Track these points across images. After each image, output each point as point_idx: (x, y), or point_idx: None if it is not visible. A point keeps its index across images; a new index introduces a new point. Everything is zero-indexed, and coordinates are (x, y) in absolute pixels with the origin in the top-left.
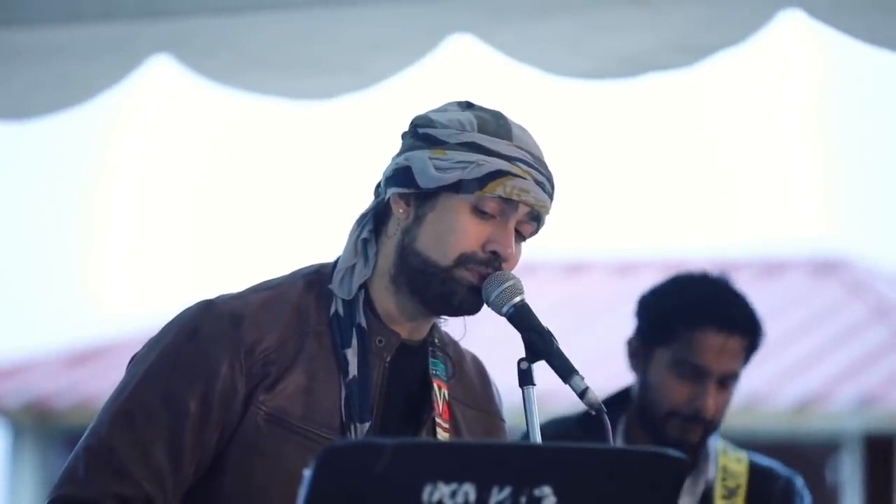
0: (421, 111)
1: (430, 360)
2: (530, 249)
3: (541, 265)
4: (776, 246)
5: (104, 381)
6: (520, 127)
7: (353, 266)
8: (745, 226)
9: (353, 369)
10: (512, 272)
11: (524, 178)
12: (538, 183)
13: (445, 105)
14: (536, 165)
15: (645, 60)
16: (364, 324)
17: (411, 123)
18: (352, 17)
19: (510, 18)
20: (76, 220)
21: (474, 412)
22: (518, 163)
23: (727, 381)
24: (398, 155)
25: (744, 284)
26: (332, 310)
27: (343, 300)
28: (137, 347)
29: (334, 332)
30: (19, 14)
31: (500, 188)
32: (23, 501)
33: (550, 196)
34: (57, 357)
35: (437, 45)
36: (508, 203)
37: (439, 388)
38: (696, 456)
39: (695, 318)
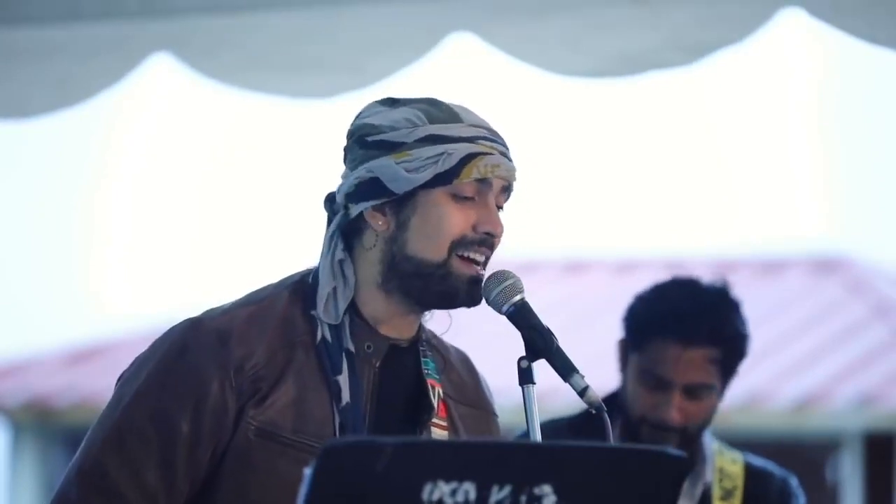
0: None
1: (422, 359)
2: (530, 248)
3: (541, 264)
4: (776, 245)
5: (104, 380)
6: (459, 106)
7: (335, 290)
8: (746, 224)
9: (345, 396)
10: (511, 271)
11: (491, 154)
12: (502, 154)
13: (370, 109)
14: (494, 137)
15: (645, 59)
16: (352, 348)
17: (354, 135)
18: (352, 16)
19: (510, 17)
20: (76, 220)
21: (466, 408)
22: (480, 140)
23: (696, 391)
24: (354, 168)
25: (744, 284)
26: (319, 335)
27: (329, 325)
28: (137, 347)
29: (322, 357)
30: (19, 13)
31: (474, 170)
32: (23, 500)
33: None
34: (57, 356)
35: (438, 43)
36: (484, 182)
37: (433, 388)
38: (693, 458)
39: (656, 330)
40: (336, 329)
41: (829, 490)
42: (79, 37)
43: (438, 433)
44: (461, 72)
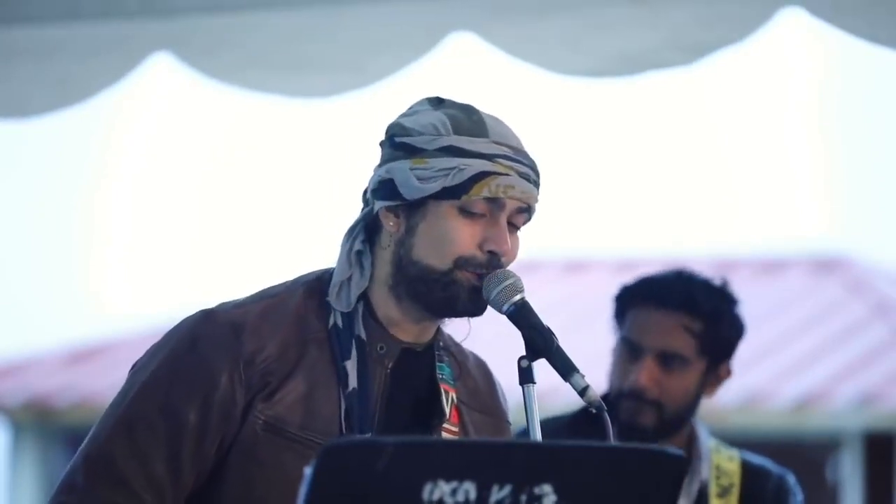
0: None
1: (437, 364)
2: (530, 247)
3: (541, 263)
4: (776, 244)
5: (104, 380)
6: (494, 119)
7: (350, 278)
8: (746, 224)
9: (352, 381)
10: (512, 270)
11: (507, 175)
12: (522, 175)
13: (415, 106)
14: (518, 157)
15: (645, 59)
16: (363, 335)
17: (387, 132)
18: (352, 16)
19: (511, 17)
20: (76, 220)
21: (480, 415)
22: (499, 159)
23: (669, 360)
24: (379, 166)
25: (744, 284)
26: (331, 322)
27: (342, 312)
28: (137, 346)
29: (333, 344)
30: (19, 12)
31: (484, 189)
32: (23, 499)
33: (537, 184)
34: (57, 355)
35: (438, 43)
36: (495, 202)
37: (447, 393)
38: (690, 455)
39: (632, 297)
40: (348, 316)
41: (829, 490)
42: (79, 36)
43: (449, 438)
44: (461, 71)
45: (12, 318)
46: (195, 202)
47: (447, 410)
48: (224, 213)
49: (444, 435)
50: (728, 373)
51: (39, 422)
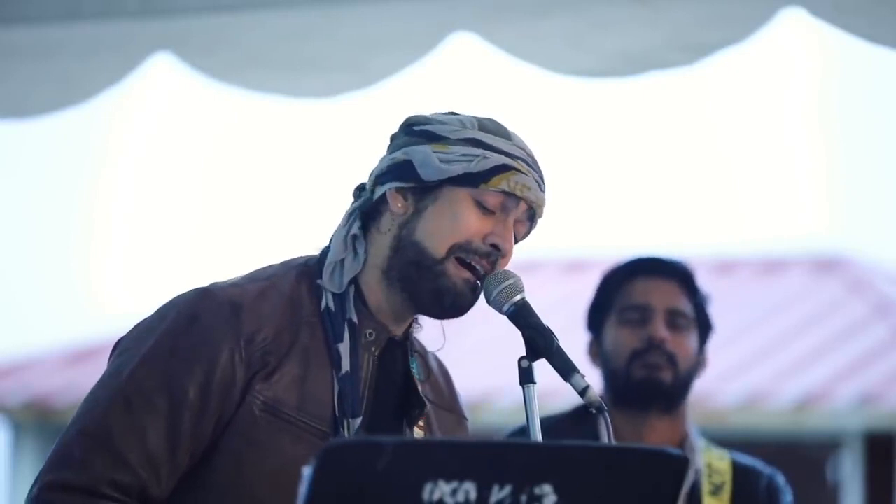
0: (420, 109)
1: (410, 357)
2: (531, 247)
3: (541, 263)
4: (777, 244)
5: None
6: (514, 133)
7: (343, 261)
8: (746, 224)
9: (345, 364)
10: (512, 271)
11: (526, 175)
12: (537, 182)
13: (437, 113)
14: (534, 166)
15: (646, 58)
16: (355, 318)
17: (404, 124)
18: (353, 15)
19: (512, 16)
20: (76, 220)
21: (443, 412)
22: (519, 160)
23: (676, 319)
24: (391, 153)
25: (744, 283)
26: (323, 304)
27: (333, 294)
28: None
29: (326, 326)
30: (19, 12)
31: (504, 182)
32: (23, 499)
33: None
34: (57, 355)
35: (439, 43)
36: (510, 198)
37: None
38: (683, 447)
39: (626, 275)
40: (339, 298)
41: (829, 490)
42: (79, 36)
43: (417, 433)
44: (462, 71)
45: (12, 318)
46: (195, 202)
47: (426, 402)
48: (224, 213)
49: (416, 432)
50: (706, 362)
51: (39, 422)
